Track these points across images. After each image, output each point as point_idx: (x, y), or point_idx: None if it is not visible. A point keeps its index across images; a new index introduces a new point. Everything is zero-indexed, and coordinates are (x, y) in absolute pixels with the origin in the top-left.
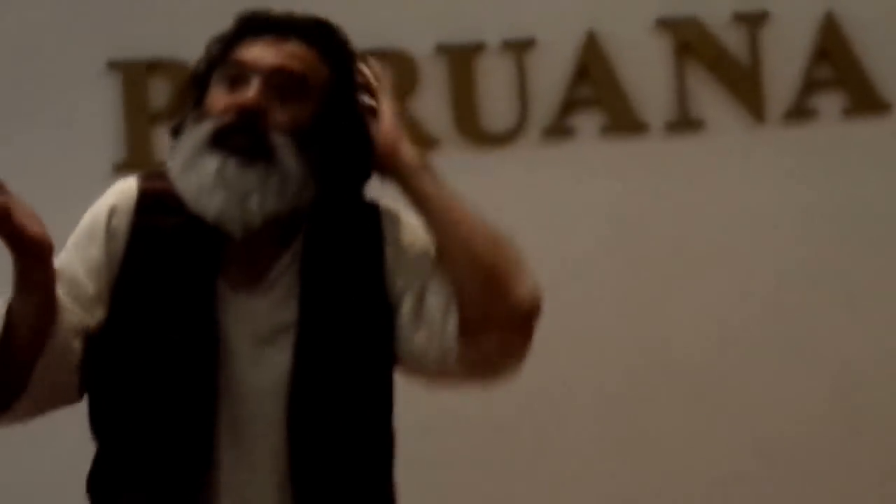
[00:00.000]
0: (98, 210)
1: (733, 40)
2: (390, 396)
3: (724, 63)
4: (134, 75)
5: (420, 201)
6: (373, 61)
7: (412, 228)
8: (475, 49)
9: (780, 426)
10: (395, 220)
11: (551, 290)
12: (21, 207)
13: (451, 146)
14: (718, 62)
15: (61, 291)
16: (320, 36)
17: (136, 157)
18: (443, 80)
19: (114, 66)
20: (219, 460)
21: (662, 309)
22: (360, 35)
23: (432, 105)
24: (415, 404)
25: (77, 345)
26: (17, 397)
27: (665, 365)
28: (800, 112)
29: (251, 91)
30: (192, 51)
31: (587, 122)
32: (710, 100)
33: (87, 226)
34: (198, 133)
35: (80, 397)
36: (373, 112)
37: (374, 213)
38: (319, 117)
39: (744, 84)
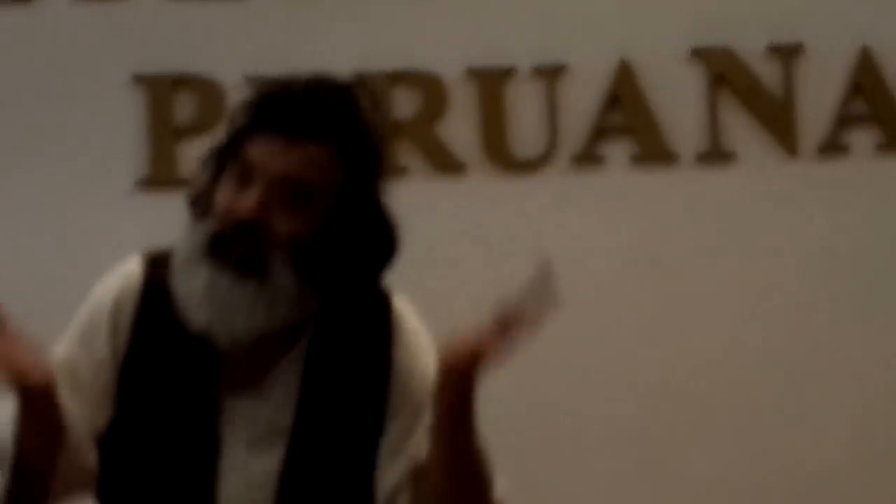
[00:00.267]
0: (102, 301)
1: (767, 72)
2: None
3: (758, 95)
4: (159, 90)
5: (457, 441)
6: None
7: (421, 353)
8: (506, 74)
9: (801, 456)
10: (407, 337)
11: (576, 316)
12: (21, 349)
13: (478, 171)
14: (752, 94)
15: (67, 388)
16: (338, 131)
17: (159, 173)
18: (472, 104)
19: (139, 80)
20: None
21: (688, 339)
22: (390, 57)
23: (461, 129)
24: None
25: (91, 455)
26: None
27: (686, 395)
28: (833, 147)
29: (252, 199)
30: (218, 66)
31: (617, 151)
32: (742, 132)
33: (91, 317)
34: (196, 234)
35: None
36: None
37: (384, 323)
38: (326, 226)
39: (777, 117)
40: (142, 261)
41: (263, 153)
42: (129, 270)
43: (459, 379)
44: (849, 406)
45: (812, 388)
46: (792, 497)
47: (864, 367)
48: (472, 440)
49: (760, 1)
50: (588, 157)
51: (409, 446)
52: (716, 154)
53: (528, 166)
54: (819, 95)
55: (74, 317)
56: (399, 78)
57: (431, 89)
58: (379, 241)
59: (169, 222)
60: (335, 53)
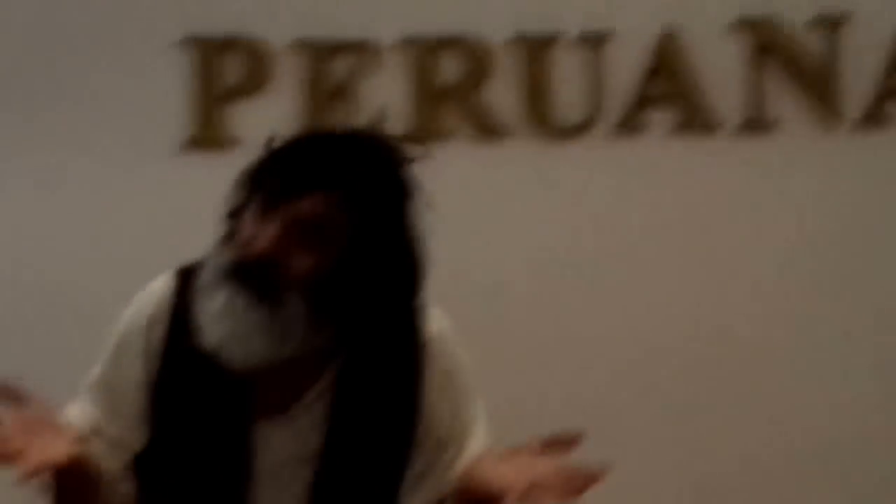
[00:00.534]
0: (137, 322)
1: (811, 42)
2: None
3: (801, 65)
4: (208, 51)
5: None
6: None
7: (450, 390)
8: (551, 40)
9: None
10: (436, 375)
11: (616, 281)
12: (40, 431)
13: (520, 137)
14: (795, 64)
15: (104, 410)
16: (346, 178)
17: (206, 134)
18: (517, 69)
19: (188, 41)
20: None
21: (728, 305)
22: (436, 22)
23: (505, 94)
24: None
25: (126, 486)
26: None
27: (723, 358)
28: (876, 117)
29: (271, 235)
30: (266, 28)
31: (660, 119)
32: (785, 101)
33: (125, 338)
34: (219, 260)
35: None
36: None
37: (415, 356)
38: (340, 263)
39: (820, 87)
40: (174, 279)
41: (282, 196)
42: (160, 289)
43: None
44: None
45: (856, 347)
46: (823, 459)
47: None
48: None
49: None
50: (630, 125)
51: (432, 479)
52: (758, 123)
53: (570, 133)
54: (862, 65)
55: (109, 335)
56: (445, 43)
57: (477, 55)
58: (398, 273)
59: (215, 183)
60: (382, 19)
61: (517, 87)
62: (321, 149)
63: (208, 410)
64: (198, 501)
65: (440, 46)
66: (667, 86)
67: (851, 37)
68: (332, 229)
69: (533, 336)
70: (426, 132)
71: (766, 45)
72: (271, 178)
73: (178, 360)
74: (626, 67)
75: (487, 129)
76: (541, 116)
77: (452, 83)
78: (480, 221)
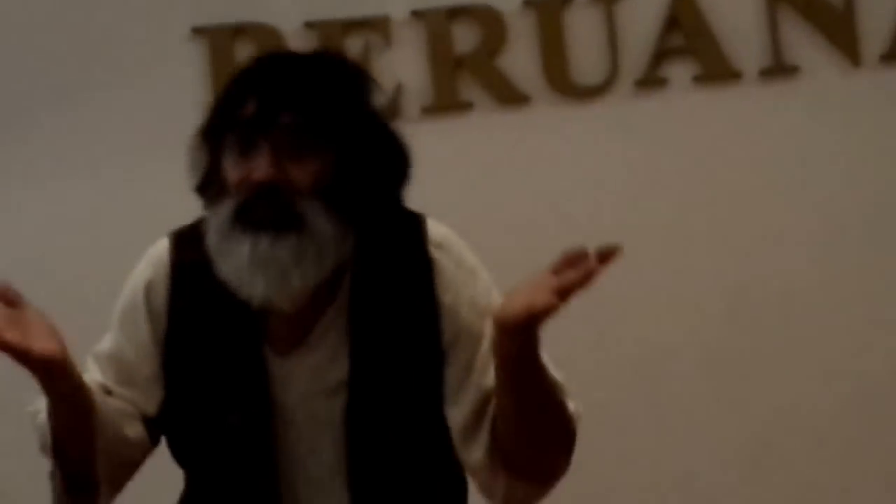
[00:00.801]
0: (136, 288)
1: None
2: (449, 437)
3: (818, 7)
4: (219, 41)
5: (527, 381)
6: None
7: (464, 285)
8: (563, 2)
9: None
10: (447, 274)
11: (645, 240)
12: (31, 322)
13: (542, 101)
14: (811, 6)
15: (117, 379)
16: (310, 87)
17: None
18: (531, 34)
19: (199, 31)
20: None
21: (757, 258)
22: None
23: (522, 60)
24: None
25: (132, 430)
26: (97, 492)
27: (756, 315)
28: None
29: (262, 163)
30: (277, 15)
31: (679, 72)
32: (804, 45)
33: (128, 305)
34: (221, 214)
35: (150, 451)
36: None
37: (423, 261)
38: (341, 163)
39: (838, 28)
40: (169, 241)
41: (256, 128)
42: (157, 253)
43: (516, 334)
44: None
45: (887, 296)
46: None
47: None
48: (538, 380)
49: None
50: (651, 81)
51: (473, 377)
52: (779, 69)
53: (591, 93)
54: (879, 5)
55: (115, 307)
56: (458, 13)
57: (490, 23)
58: (394, 162)
59: None
60: None
61: (533, 52)
62: (271, 72)
63: (222, 359)
64: (224, 451)
65: (452, 17)
66: (684, 38)
67: None
68: (316, 136)
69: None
70: (445, 104)
71: None
72: (235, 118)
73: (183, 317)
74: (641, 23)
75: (507, 97)
76: (560, 80)
77: (468, 53)
78: (506, 189)
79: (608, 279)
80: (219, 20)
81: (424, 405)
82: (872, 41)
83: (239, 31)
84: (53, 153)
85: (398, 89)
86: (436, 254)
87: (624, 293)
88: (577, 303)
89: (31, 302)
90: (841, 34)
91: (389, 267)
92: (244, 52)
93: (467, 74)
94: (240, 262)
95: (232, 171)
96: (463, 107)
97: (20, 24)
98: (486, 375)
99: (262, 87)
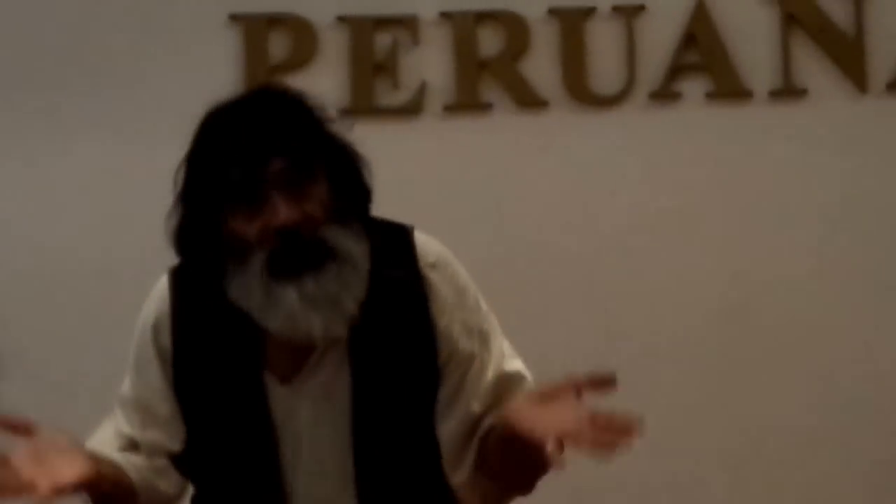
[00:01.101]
0: (144, 329)
1: (838, 11)
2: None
3: (829, 33)
4: (254, 29)
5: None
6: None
7: (458, 289)
8: (586, 13)
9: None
10: (442, 279)
11: (653, 247)
12: (50, 448)
13: (559, 107)
14: (823, 32)
15: (141, 423)
16: (285, 127)
17: None
18: (554, 42)
19: (235, 19)
20: None
21: (761, 270)
22: None
23: (543, 67)
24: None
25: (166, 485)
26: None
27: (761, 318)
28: None
29: (279, 209)
30: (312, 7)
31: (693, 88)
32: (814, 69)
33: (138, 348)
34: (252, 271)
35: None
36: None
37: (415, 269)
38: (334, 182)
39: (848, 55)
40: (168, 279)
41: (253, 185)
42: (159, 291)
43: (524, 445)
44: None
45: (891, 308)
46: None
47: None
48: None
49: None
50: (665, 94)
51: (462, 398)
52: (788, 90)
53: (607, 102)
54: (889, 33)
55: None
56: (484, 17)
57: (515, 28)
58: (364, 167)
59: None
60: None
61: (554, 59)
62: (245, 127)
63: (226, 392)
64: (233, 484)
65: (479, 20)
66: (699, 55)
67: (878, 4)
68: (308, 168)
69: (575, 299)
70: (467, 104)
71: (796, 13)
72: (234, 178)
73: (188, 354)
74: (659, 38)
75: (526, 101)
76: (578, 87)
77: (492, 56)
78: (521, 190)
79: (615, 285)
80: (255, 9)
81: (424, 422)
82: (880, 69)
83: (273, 20)
84: (89, 137)
85: (422, 87)
86: (431, 274)
87: (631, 300)
88: (578, 305)
89: (65, 280)
90: (850, 61)
91: (384, 288)
92: (278, 42)
93: (490, 76)
94: (291, 310)
95: (243, 227)
96: (483, 107)
97: (58, 9)
98: (473, 399)
99: (245, 144)
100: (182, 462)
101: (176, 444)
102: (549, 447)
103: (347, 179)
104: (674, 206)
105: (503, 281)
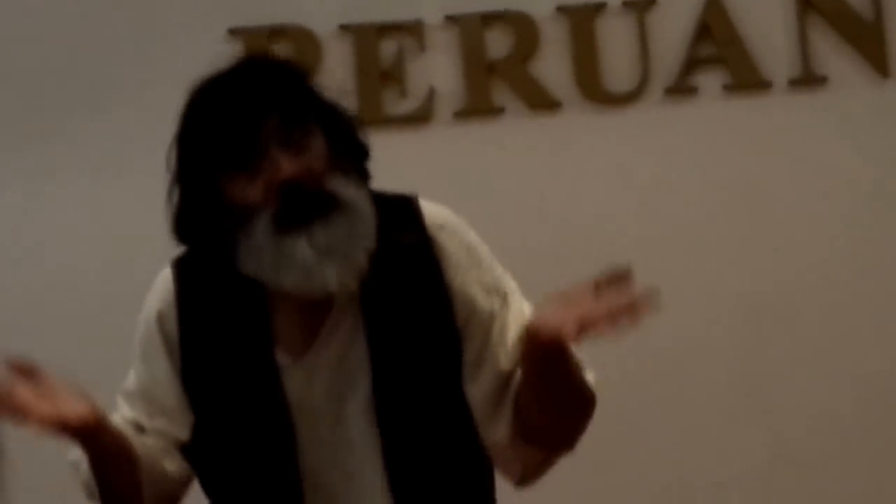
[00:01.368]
0: (148, 320)
1: None
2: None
3: (847, 19)
4: (255, 42)
5: (556, 382)
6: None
7: (469, 248)
8: (596, 9)
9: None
10: (452, 240)
11: (672, 243)
12: (56, 390)
13: (573, 107)
14: (841, 18)
15: (147, 412)
16: (279, 86)
17: None
18: (564, 41)
19: (235, 33)
20: None
21: (784, 263)
22: None
23: (554, 66)
24: None
25: (171, 465)
26: None
27: (779, 314)
28: None
29: (281, 164)
30: (313, 17)
31: (710, 81)
32: (833, 56)
33: (143, 338)
34: (258, 230)
35: (191, 479)
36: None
37: (423, 233)
38: (330, 133)
39: (867, 40)
40: (171, 269)
41: (255, 131)
42: (162, 281)
43: (544, 348)
44: None
45: None
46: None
47: None
48: (565, 374)
49: None
50: (681, 88)
51: (490, 355)
52: (808, 79)
53: (622, 100)
54: None
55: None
56: (491, 18)
57: (523, 29)
58: (356, 120)
59: None
60: None
61: (565, 58)
62: (237, 90)
63: (236, 376)
64: (257, 471)
65: (485, 22)
66: (714, 47)
67: None
68: (303, 121)
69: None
70: (477, 109)
71: (812, 0)
72: (232, 140)
73: (195, 340)
74: (672, 31)
75: (539, 102)
76: (591, 86)
77: (500, 58)
78: (537, 195)
79: (635, 286)
80: (255, 22)
81: (448, 386)
82: None
83: (275, 32)
84: (88, 155)
85: (431, 93)
86: (440, 236)
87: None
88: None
89: (67, 303)
90: (870, 46)
91: (394, 252)
92: (280, 53)
93: (500, 79)
94: (304, 262)
95: (250, 188)
96: (495, 111)
97: (55, 25)
98: (503, 353)
99: (236, 106)
100: (190, 452)
101: (183, 434)
102: (571, 335)
103: (342, 133)
104: (695, 202)
105: (520, 286)
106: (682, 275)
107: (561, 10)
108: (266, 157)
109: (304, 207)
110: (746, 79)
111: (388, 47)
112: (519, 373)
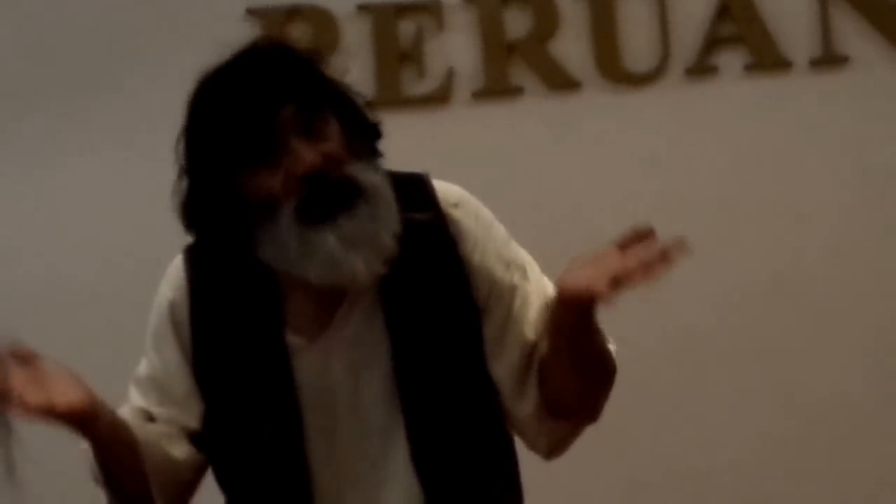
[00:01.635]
0: (160, 308)
1: None
2: (493, 393)
3: None
4: (273, 22)
5: (583, 349)
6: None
7: (486, 224)
8: None
9: None
10: (468, 217)
11: (695, 225)
12: (50, 376)
13: (593, 87)
14: None
15: (158, 401)
16: (289, 75)
17: None
18: (584, 20)
19: (253, 13)
20: None
21: (804, 241)
22: None
23: (573, 46)
24: None
25: (178, 451)
26: None
27: (798, 295)
28: None
29: (301, 155)
30: None
31: (730, 60)
32: (854, 36)
33: (155, 327)
34: (283, 224)
35: (204, 466)
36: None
37: (438, 211)
38: (344, 119)
39: (889, 19)
40: (183, 257)
41: (270, 122)
42: (174, 271)
43: (574, 308)
44: None
45: None
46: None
47: None
48: (591, 339)
49: None
50: (702, 69)
51: (513, 331)
52: (829, 59)
53: (642, 80)
54: None
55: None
56: None
57: (543, 8)
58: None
59: None
60: None
61: (585, 38)
62: (248, 80)
63: (248, 363)
64: (266, 458)
65: (504, 2)
66: (735, 27)
67: None
68: (318, 109)
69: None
70: (497, 89)
71: None
72: (247, 133)
73: (207, 328)
74: (693, 11)
75: (558, 83)
76: (611, 66)
77: (520, 38)
78: (557, 175)
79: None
80: (273, 2)
81: (469, 364)
82: None
83: (293, 13)
84: (107, 132)
85: (449, 74)
86: (455, 213)
87: (671, 279)
88: None
89: (85, 279)
90: (891, 26)
91: (410, 232)
92: (297, 35)
93: (519, 59)
94: (331, 254)
95: (267, 181)
96: (514, 92)
97: (72, 7)
98: (526, 325)
99: (253, 98)
100: (202, 441)
101: (193, 422)
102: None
103: (355, 115)
104: (714, 182)
105: (539, 265)
106: (702, 254)
107: None
108: (285, 148)
109: (328, 197)
110: (767, 58)
111: (406, 28)
112: (542, 345)
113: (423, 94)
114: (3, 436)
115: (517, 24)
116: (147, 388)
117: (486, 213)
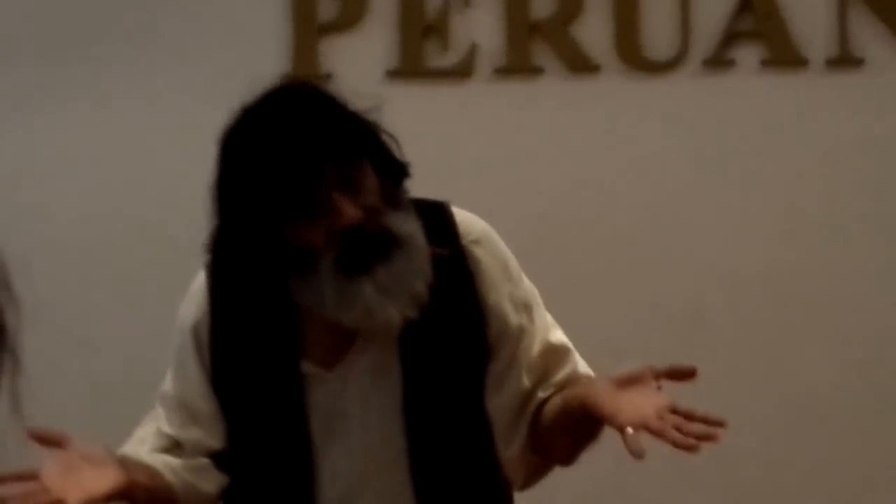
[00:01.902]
0: (183, 329)
1: None
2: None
3: (888, 2)
4: None
5: (590, 428)
6: None
7: (502, 263)
8: None
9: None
10: (487, 255)
11: (706, 214)
12: (82, 460)
13: (611, 71)
14: (882, 1)
15: (181, 422)
16: (327, 135)
17: (302, 68)
18: (607, 5)
19: None
20: None
21: (812, 236)
22: None
23: (595, 31)
24: None
25: (209, 484)
26: None
27: (805, 290)
28: None
29: (345, 210)
30: None
31: (748, 55)
32: (871, 38)
33: (178, 347)
34: (322, 274)
35: None
36: None
37: (458, 246)
38: (378, 166)
39: None
40: (205, 276)
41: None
42: (197, 291)
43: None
44: None
45: None
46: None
47: None
48: (597, 431)
49: None
50: (719, 61)
51: (515, 372)
52: (845, 59)
53: (660, 68)
54: None
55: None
56: None
57: None
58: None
59: None
60: None
61: (607, 22)
62: (291, 140)
63: (264, 388)
64: (275, 481)
65: None
66: (754, 22)
67: None
68: (356, 162)
69: (623, 266)
70: (517, 67)
71: None
72: (292, 199)
73: (227, 350)
74: (714, 3)
75: (578, 65)
76: (631, 52)
77: (543, 19)
78: (571, 155)
79: (666, 252)
80: None
81: (474, 398)
82: None
83: None
84: (134, 96)
85: (472, 49)
86: (476, 250)
87: (677, 271)
88: (625, 272)
89: (97, 234)
90: None
91: (431, 265)
92: (326, 3)
93: (541, 39)
94: (368, 304)
95: (308, 234)
96: (534, 71)
97: None
98: (524, 374)
99: (295, 158)
100: (223, 460)
101: (217, 443)
102: (630, 433)
103: (388, 160)
104: (726, 173)
105: (551, 245)
106: (713, 243)
107: None
108: (328, 204)
109: (366, 249)
110: (784, 55)
111: (433, 1)
112: (539, 395)
113: (446, 67)
114: (9, 369)
115: (542, 4)
116: (173, 409)
117: (504, 248)
